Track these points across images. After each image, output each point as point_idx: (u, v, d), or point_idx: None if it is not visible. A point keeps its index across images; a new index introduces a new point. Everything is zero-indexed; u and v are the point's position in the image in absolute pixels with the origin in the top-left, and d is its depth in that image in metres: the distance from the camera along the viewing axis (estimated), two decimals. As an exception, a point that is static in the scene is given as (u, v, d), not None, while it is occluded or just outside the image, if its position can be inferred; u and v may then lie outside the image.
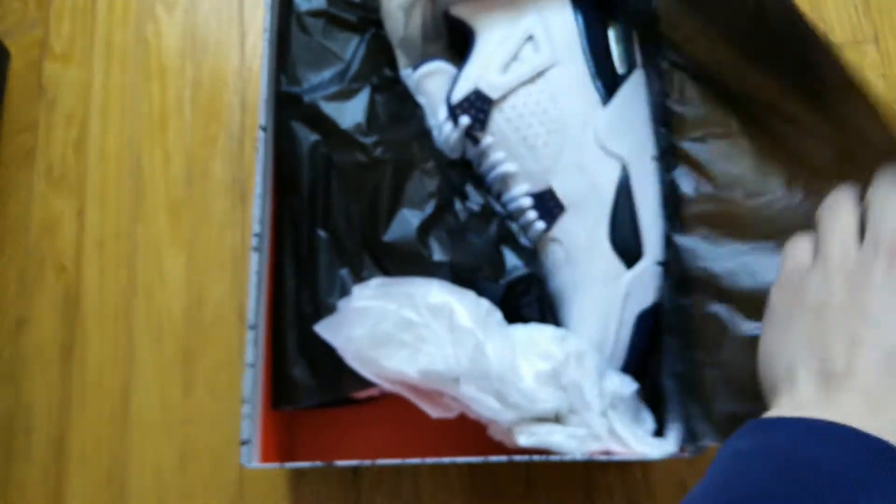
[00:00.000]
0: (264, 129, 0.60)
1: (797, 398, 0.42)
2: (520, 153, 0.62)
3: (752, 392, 0.49)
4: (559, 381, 0.55)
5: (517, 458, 0.54)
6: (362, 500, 0.68)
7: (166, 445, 0.71)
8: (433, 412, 0.53)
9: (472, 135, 0.63)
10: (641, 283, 0.60)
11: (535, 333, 0.57)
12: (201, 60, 0.83)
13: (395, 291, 0.55)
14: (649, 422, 0.60)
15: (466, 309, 0.53)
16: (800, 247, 0.47)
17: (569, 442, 0.54)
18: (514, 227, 0.64)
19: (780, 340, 0.45)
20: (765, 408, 0.45)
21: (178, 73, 0.82)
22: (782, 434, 0.39)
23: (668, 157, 0.60)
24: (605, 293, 0.60)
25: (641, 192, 0.61)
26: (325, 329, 0.56)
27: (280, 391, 0.60)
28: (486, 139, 0.63)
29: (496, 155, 0.63)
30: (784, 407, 0.42)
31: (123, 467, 0.70)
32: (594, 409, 0.56)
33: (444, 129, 0.64)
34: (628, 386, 0.59)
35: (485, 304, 0.55)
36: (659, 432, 0.59)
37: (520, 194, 0.63)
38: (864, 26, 0.84)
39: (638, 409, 0.60)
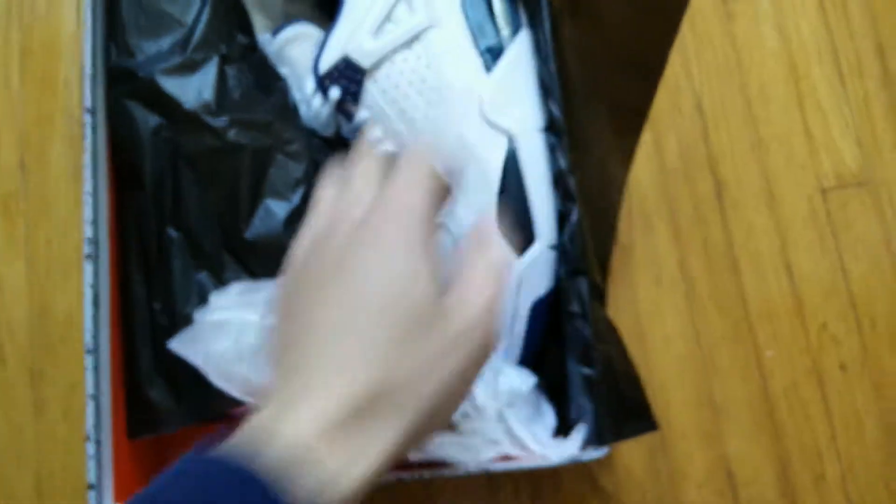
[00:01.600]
0: (92, 111, 0.50)
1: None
2: (398, 129, 0.54)
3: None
4: None
5: (404, 475, 0.48)
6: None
7: (17, 474, 0.61)
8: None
9: (344, 109, 0.55)
10: (535, 270, 0.54)
11: None
12: (30, 24, 0.70)
13: (258, 298, 0.46)
14: (550, 417, 0.55)
15: None
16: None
17: (462, 454, 0.48)
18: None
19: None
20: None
21: (1, 38, 0.69)
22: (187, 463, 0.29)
23: (556, 128, 0.54)
24: (495, 284, 0.53)
25: (531, 169, 0.54)
26: (182, 345, 0.47)
27: (136, 418, 0.51)
28: (361, 113, 0.55)
29: (372, 132, 0.55)
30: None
31: (-34, 502, 0.60)
32: (488, 412, 0.50)
33: (313, 104, 0.55)
34: (526, 381, 0.54)
35: None
36: (564, 427, 0.54)
37: (398, 172, 0.55)
38: None
39: (538, 405, 0.55)
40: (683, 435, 0.70)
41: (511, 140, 0.53)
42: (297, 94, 0.55)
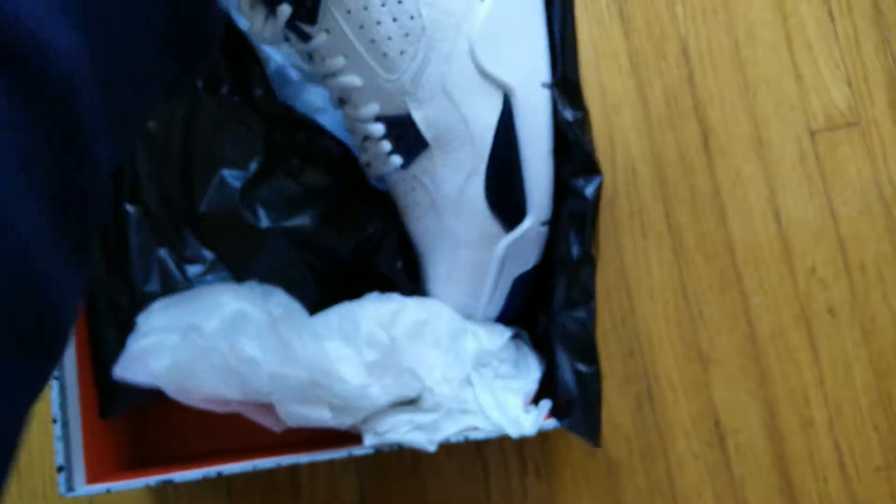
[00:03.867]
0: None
1: None
2: (365, 61, 0.44)
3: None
4: (395, 367, 0.44)
5: (356, 451, 0.45)
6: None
7: None
8: (276, 426, 0.42)
9: (297, 28, 0.45)
10: (522, 247, 0.48)
11: (356, 316, 0.45)
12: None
13: (181, 315, 0.43)
14: (534, 372, 0.51)
15: (259, 317, 0.42)
16: None
17: (416, 435, 0.44)
18: (361, 157, 0.51)
19: None
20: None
21: None
22: None
23: (566, 83, 0.47)
24: (476, 257, 0.47)
25: (528, 132, 0.45)
26: (125, 370, 0.43)
27: (106, 397, 0.48)
28: (319, 36, 0.44)
29: (334, 61, 0.45)
30: None
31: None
32: (452, 381, 0.46)
33: (255, 22, 0.45)
34: (499, 336, 0.50)
35: (278, 304, 0.43)
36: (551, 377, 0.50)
37: (367, 117, 0.46)
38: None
39: (518, 358, 0.51)
40: (671, 385, 0.67)
41: (507, 95, 0.45)
42: (241, 10, 0.45)
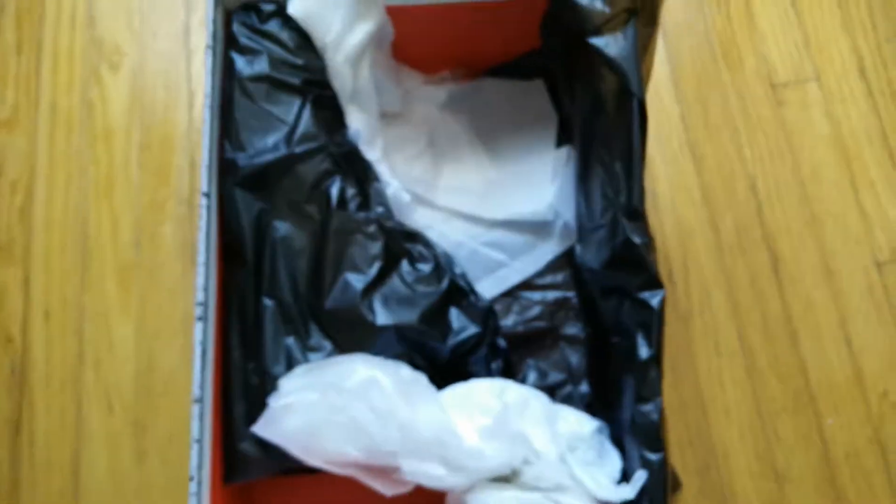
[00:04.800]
0: (207, 195, 0.55)
1: None
2: None
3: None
4: (505, 433, 0.50)
5: None
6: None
7: (120, 519, 0.65)
8: (386, 490, 0.48)
9: None
10: None
11: (471, 389, 0.52)
12: (149, 123, 0.78)
13: (320, 378, 0.50)
14: (615, 461, 0.55)
15: (389, 381, 0.49)
16: None
17: None
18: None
19: None
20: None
21: (124, 135, 0.77)
22: None
23: (633, 212, 0.55)
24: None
25: None
26: (263, 428, 0.50)
27: (230, 465, 0.54)
28: None
29: None
30: None
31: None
32: (549, 456, 0.51)
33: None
34: (587, 424, 0.55)
35: (406, 372, 0.51)
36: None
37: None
38: (805, 65, 0.82)
39: (602, 449, 0.56)
40: (747, 501, 0.69)
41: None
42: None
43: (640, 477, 0.51)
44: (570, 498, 0.51)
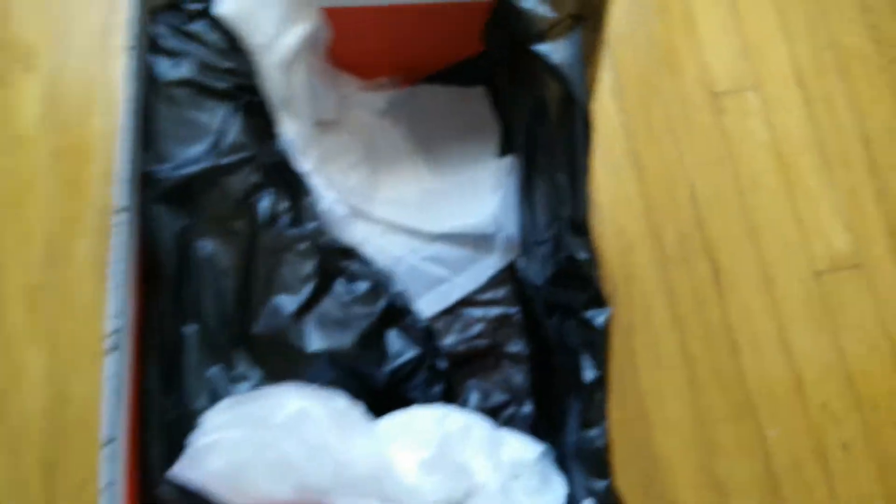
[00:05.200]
0: (123, 210, 0.51)
1: None
2: None
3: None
4: (445, 466, 0.48)
5: None
6: None
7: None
8: (323, 529, 0.45)
9: None
10: None
11: (410, 418, 0.50)
12: (64, 129, 0.72)
13: (246, 412, 0.46)
14: (559, 488, 0.53)
15: (322, 413, 0.46)
16: None
17: None
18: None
19: None
20: None
21: (37, 143, 0.72)
22: None
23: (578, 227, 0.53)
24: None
25: None
26: (183, 470, 0.47)
27: (150, 509, 0.51)
28: None
29: None
30: None
31: None
32: (491, 487, 0.49)
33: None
34: (531, 450, 0.53)
35: (340, 402, 0.48)
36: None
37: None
38: (745, 73, 0.82)
39: (546, 475, 0.54)
40: (690, 516, 0.68)
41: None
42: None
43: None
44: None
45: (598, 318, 0.50)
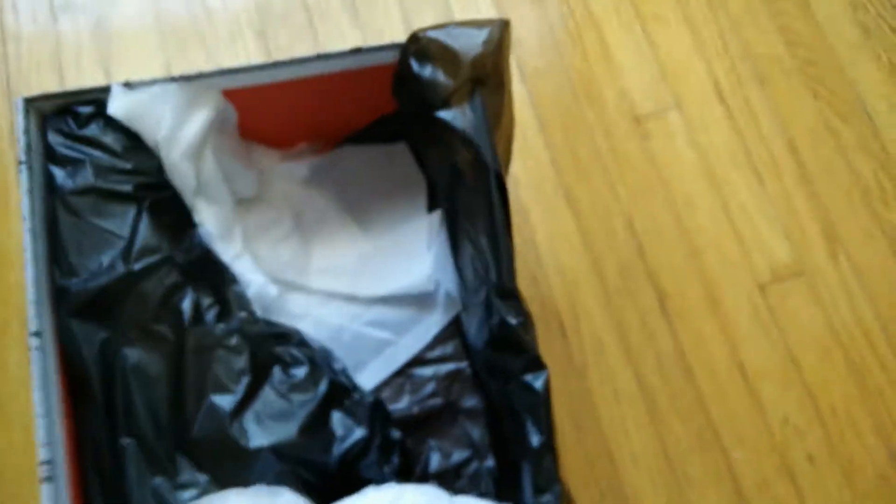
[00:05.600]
0: (38, 334, 0.50)
1: None
2: None
3: None
4: None
5: None
6: None
7: None
8: None
9: None
10: None
11: None
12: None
13: None
14: None
15: None
16: None
17: None
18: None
19: None
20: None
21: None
22: None
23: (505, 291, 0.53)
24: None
25: None
26: None
27: None
28: None
29: None
30: None
31: None
32: None
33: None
34: None
35: (287, 498, 0.47)
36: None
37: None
38: (664, 94, 0.83)
39: None
40: (667, 550, 0.68)
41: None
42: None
43: None
44: None
45: (537, 381, 0.49)
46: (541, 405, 0.49)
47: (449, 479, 0.61)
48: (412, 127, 0.64)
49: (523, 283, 0.66)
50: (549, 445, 0.48)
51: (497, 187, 0.50)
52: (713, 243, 0.77)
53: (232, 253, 0.60)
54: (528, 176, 0.78)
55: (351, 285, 0.68)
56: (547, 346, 0.72)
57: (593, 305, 0.75)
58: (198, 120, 0.57)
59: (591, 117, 0.81)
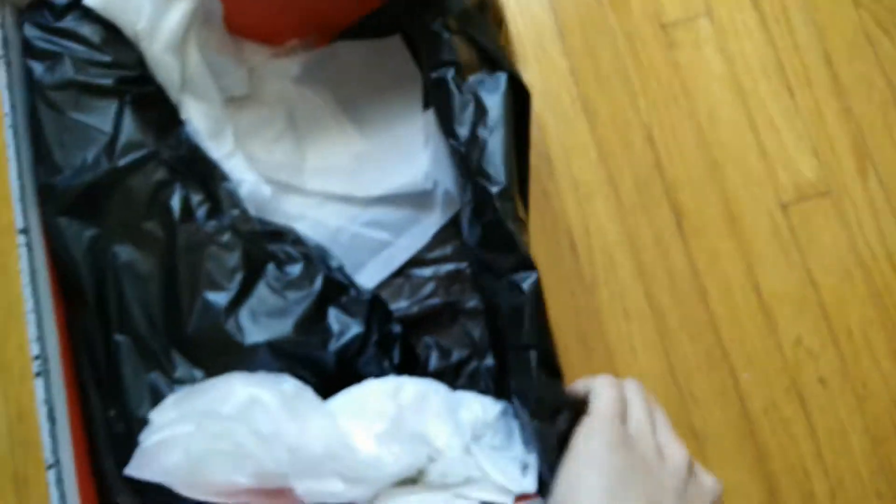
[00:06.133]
0: (24, 231, 0.49)
1: None
2: None
3: None
4: (403, 435, 0.47)
5: None
6: None
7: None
8: (287, 512, 0.45)
9: None
10: None
11: (363, 394, 0.49)
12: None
13: (194, 406, 0.46)
14: (519, 444, 0.53)
15: (272, 398, 0.45)
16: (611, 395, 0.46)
17: None
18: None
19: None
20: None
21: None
22: None
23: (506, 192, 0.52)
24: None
25: None
26: (137, 469, 0.46)
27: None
28: None
29: None
30: None
31: None
32: (453, 450, 0.48)
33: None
34: (490, 409, 0.52)
35: (289, 386, 0.47)
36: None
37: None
38: (695, 1, 0.78)
39: (510, 431, 0.53)
40: (668, 468, 0.68)
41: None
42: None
43: (533, 464, 0.49)
44: (478, 490, 0.49)
45: (524, 283, 0.48)
46: (525, 307, 0.47)
47: (448, 378, 0.61)
48: (408, 14, 0.61)
49: (533, 197, 0.65)
50: (531, 346, 0.48)
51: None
52: (736, 158, 0.74)
53: (223, 151, 0.58)
54: (544, 84, 0.76)
55: (347, 186, 0.67)
56: (556, 262, 0.70)
57: (606, 221, 0.73)
58: (179, 10, 0.55)
59: (614, 23, 0.77)
